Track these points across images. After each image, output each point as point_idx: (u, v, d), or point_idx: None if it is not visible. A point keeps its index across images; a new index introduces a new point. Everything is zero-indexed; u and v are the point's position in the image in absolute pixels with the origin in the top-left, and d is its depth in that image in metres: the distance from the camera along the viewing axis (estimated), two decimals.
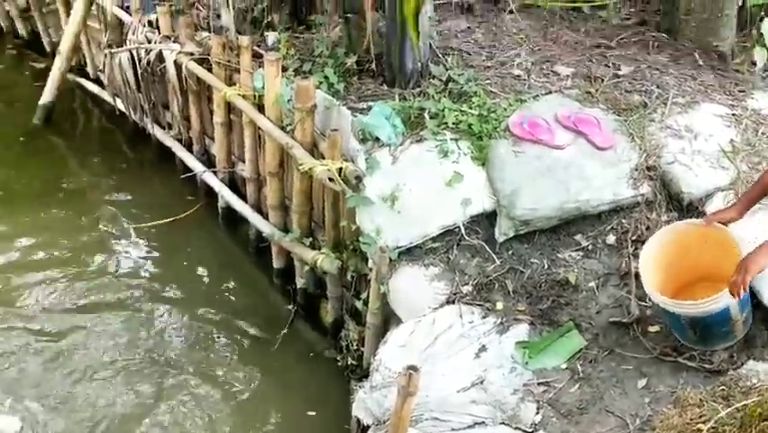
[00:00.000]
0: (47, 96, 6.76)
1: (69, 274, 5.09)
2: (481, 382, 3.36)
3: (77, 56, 7.08)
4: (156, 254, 5.37)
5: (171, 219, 5.58)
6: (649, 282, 3.23)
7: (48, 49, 7.73)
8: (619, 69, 4.63)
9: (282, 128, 4.47)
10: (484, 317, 3.64)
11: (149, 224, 5.57)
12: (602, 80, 4.50)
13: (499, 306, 3.69)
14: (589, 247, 3.83)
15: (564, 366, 3.38)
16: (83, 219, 5.68)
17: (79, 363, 4.40)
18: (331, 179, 4.00)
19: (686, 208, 3.85)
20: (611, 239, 3.81)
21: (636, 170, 3.92)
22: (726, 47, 4.80)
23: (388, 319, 3.99)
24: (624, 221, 3.85)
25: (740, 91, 4.47)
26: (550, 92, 4.42)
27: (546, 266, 3.79)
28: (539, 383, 3.31)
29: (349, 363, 4.28)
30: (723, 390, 2.73)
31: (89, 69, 7.15)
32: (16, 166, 6.26)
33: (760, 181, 3.32)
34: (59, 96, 6.85)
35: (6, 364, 4.37)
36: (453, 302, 3.74)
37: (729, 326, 3.13)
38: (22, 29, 8.22)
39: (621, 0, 5.73)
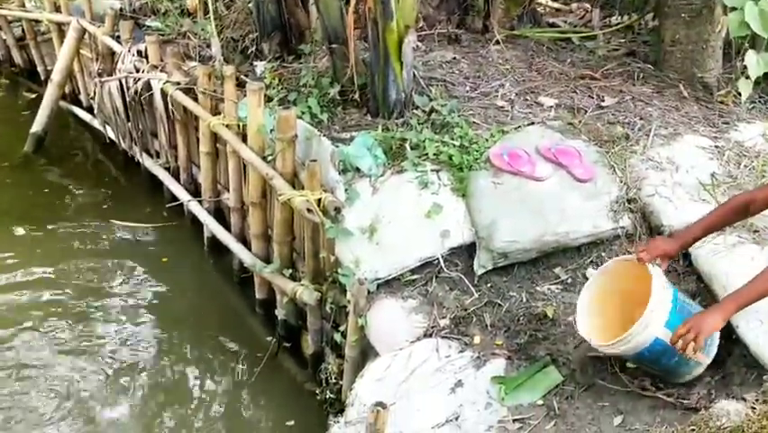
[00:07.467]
0: (38, 124, 6.80)
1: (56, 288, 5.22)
2: (456, 419, 3.29)
3: (70, 84, 7.14)
4: (141, 279, 5.37)
5: (152, 226, 5.90)
6: (585, 322, 3.18)
7: (42, 77, 7.80)
8: (603, 101, 4.60)
9: (264, 158, 4.46)
10: (461, 352, 3.58)
11: (126, 223, 5.93)
12: (585, 112, 4.47)
13: (477, 340, 3.62)
14: (569, 280, 3.77)
15: (540, 402, 3.29)
16: (69, 240, 5.74)
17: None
18: (310, 210, 3.98)
19: None
20: (591, 272, 3.75)
21: (617, 202, 3.86)
22: (711, 78, 4.76)
23: (367, 352, 3.93)
24: (604, 254, 3.79)
25: (724, 123, 4.43)
26: (532, 123, 4.39)
27: (525, 300, 3.73)
28: (514, 420, 3.22)
29: (328, 396, 4.21)
30: (693, 430, 2.66)
31: (82, 97, 7.20)
32: (5, 192, 6.29)
33: (726, 206, 3.08)
34: (53, 124, 6.88)
35: None
36: (431, 336, 3.68)
37: (678, 355, 2.93)
38: (18, 57, 8.31)
39: (611, 31, 5.74)
